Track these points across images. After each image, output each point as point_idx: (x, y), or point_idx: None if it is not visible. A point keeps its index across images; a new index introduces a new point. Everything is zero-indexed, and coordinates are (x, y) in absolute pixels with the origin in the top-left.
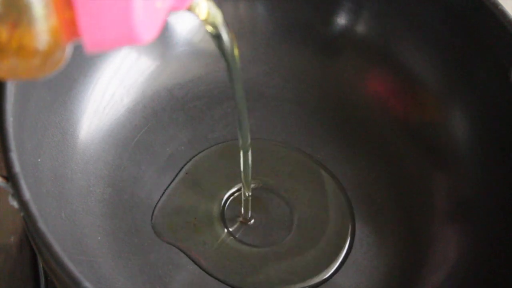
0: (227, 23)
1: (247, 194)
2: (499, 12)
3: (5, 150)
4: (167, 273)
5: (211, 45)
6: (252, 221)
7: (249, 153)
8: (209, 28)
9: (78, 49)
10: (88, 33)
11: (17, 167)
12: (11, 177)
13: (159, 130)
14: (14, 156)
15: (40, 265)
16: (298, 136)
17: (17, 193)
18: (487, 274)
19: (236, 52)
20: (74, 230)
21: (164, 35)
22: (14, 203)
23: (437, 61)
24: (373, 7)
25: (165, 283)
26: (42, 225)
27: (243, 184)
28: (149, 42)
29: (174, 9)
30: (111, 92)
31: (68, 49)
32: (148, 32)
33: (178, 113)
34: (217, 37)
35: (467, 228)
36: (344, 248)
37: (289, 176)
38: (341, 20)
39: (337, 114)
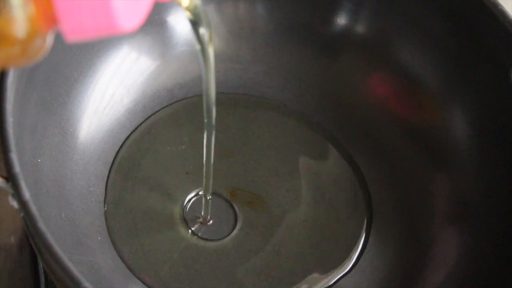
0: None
1: (208, 197)
2: (499, 12)
3: (5, 151)
4: (167, 272)
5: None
6: (211, 221)
7: (212, 146)
8: (189, 15)
9: (78, 50)
10: (66, 21)
11: (17, 168)
12: (11, 178)
13: (159, 130)
14: (14, 156)
15: (40, 265)
16: (298, 136)
17: (17, 194)
18: (487, 274)
19: (211, 37)
20: (74, 230)
21: (164, 35)
22: (14, 203)
23: (437, 61)
24: (373, 7)
25: (166, 282)
26: (42, 225)
27: (204, 184)
28: (132, 31)
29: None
30: (111, 92)
31: (49, 37)
32: (130, 20)
33: (178, 113)
34: (195, 23)
35: (467, 228)
36: (354, 253)
37: (289, 175)
38: (341, 20)
39: (337, 114)
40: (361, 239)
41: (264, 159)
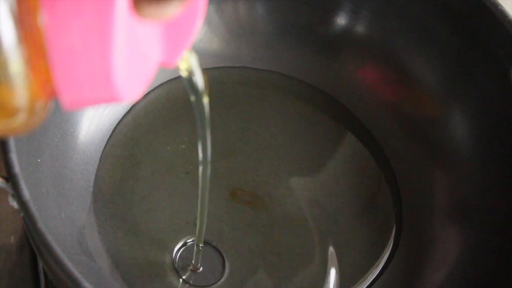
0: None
1: (200, 245)
2: (499, 12)
3: (5, 151)
4: (166, 272)
5: (211, 46)
6: (201, 268)
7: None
8: (184, 73)
9: None
10: (65, 93)
11: (16, 168)
12: (11, 178)
13: (159, 130)
14: (14, 156)
15: (40, 265)
16: (299, 137)
17: (17, 194)
18: (487, 274)
19: (206, 92)
20: (74, 230)
21: None
22: (14, 203)
23: (437, 61)
24: (373, 7)
25: (167, 282)
26: (42, 225)
27: (196, 233)
28: (133, 100)
29: (163, 66)
30: None
31: (50, 105)
32: (131, 91)
33: (179, 112)
34: (190, 80)
35: (467, 228)
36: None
37: (289, 175)
38: (341, 20)
39: (337, 115)
40: (362, 239)
41: (264, 159)
